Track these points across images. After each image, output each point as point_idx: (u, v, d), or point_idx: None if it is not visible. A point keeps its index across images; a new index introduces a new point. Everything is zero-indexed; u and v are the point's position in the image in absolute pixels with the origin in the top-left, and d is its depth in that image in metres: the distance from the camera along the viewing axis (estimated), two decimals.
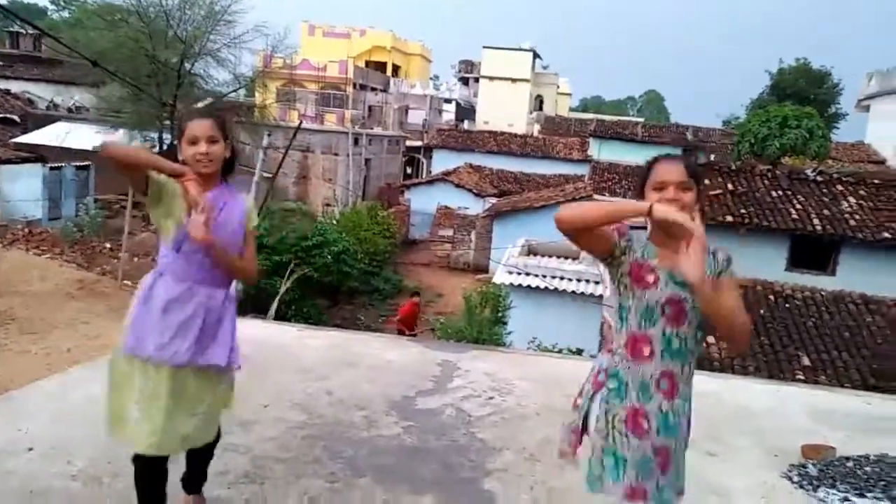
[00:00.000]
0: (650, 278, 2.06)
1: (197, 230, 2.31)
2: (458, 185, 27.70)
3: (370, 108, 40.29)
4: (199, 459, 2.74)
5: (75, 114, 25.88)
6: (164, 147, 18.58)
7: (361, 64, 42.75)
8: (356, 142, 28.81)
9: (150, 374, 2.38)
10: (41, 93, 30.30)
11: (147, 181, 2.35)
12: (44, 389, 4.17)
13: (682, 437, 2.16)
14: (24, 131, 23.67)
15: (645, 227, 2.16)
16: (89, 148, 20.68)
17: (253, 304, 13.28)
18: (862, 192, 14.78)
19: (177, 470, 2.75)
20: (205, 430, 2.53)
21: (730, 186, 14.95)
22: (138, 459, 2.43)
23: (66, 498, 2.90)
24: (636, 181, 2.20)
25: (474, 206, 26.37)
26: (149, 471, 2.46)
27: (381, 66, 46.61)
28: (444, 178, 28.46)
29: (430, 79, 55.21)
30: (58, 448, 3.32)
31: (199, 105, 21.40)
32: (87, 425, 3.56)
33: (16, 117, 25.23)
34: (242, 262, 2.58)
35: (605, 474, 2.09)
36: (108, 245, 16.71)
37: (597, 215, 1.99)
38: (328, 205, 25.76)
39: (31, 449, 3.29)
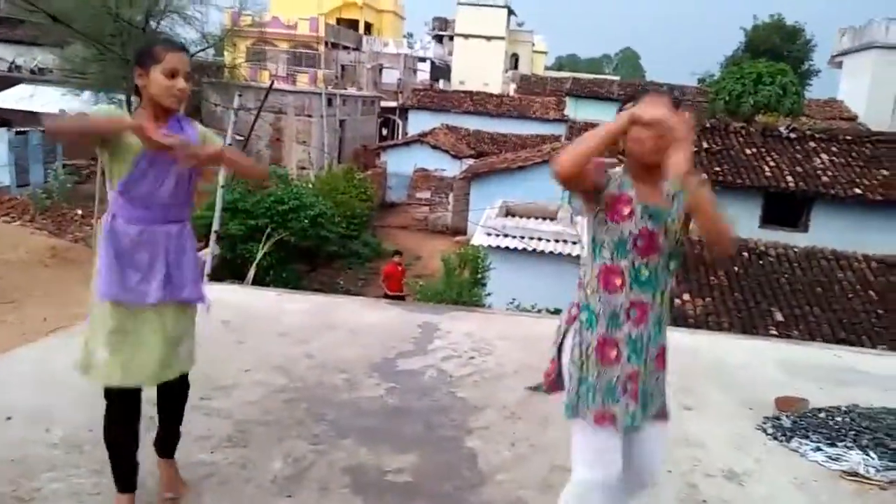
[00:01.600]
0: (625, 210, 2.11)
1: (187, 161, 2.27)
2: (434, 147, 27.49)
3: (343, 67, 39.58)
4: (170, 413, 2.68)
5: (39, 75, 25.10)
6: (132, 109, 18.14)
7: (333, 21, 41.82)
8: (330, 102, 28.36)
9: (121, 314, 2.38)
10: (2, 53, 29.26)
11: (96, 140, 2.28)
12: (22, 357, 4.12)
13: (651, 361, 2.21)
14: None
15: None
16: (55, 111, 20.14)
17: (230, 270, 13.20)
18: (834, 149, 14.97)
19: (147, 443, 2.74)
20: (179, 359, 2.52)
21: (704, 144, 15.04)
22: (108, 396, 2.42)
23: (47, 465, 2.88)
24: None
25: (451, 168, 26.24)
26: (120, 405, 2.43)
27: (353, 24, 45.61)
28: (421, 139, 28.21)
29: (404, 37, 54.21)
30: (37, 416, 3.29)
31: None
32: (66, 393, 3.53)
33: None
34: (252, 166, 2.71)
35: (579, 402, 2.17)
36: (79, 212, 16.42)
37: (593, 144, 2.00)
38: (303, 168, 25.46)
39: (9, 418, 3.26)
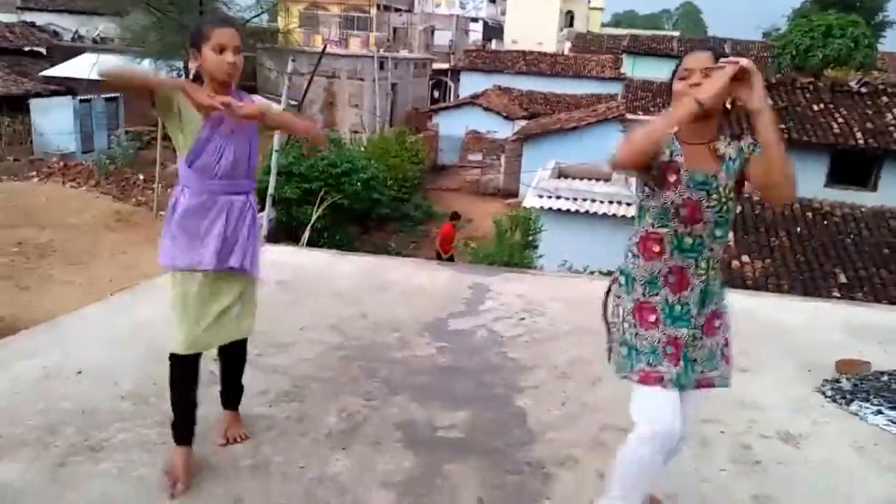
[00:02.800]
0: (672, 178, 2.08)
1: (234, 111, 2.33)
2: (486, 109, 27.17)
3: (395, 29, 39.29)
4: (233, 369, 2.84)
5: (100, 44, 25.75)
6: (190, 75, 18.48)
7: None
8: (382, 66, 28.28)
9: (183, 280, 2.52)
10: (66, 24, 30.10)
11: (152, 95, 2.35)
12: (89, 316, 4.31)
13: (697, 328, 2.17)
14: (52, 64, 23.67)
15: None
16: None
17: (286, 233, 13.47)
18: None
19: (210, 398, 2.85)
20: (240, 325, 2.66)
21: (769, 101, 14.45)
22: (170, 360, 2.57)
23: (115, 416, 3.04)
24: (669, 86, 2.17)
25: (503, 130, 25.93)
26: (182, 369, 2.58)
27: None
28: (473, 101, 27.90)
29: None
30: (105, 371, 3.45)
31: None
32: (131, 349, 3.70)
33: (42, 50, 25.22)
34: (293, 121, 2.80)
35: (624, 361, 2.20)
36: (141, 177, 16.94)
37: (651, 140, 1.99)
38: (355, 132, 25.57)
39: (79, 372, 3.43)
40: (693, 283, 2.15)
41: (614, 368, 2.26)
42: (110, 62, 2.30)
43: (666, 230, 2.11)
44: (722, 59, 1.99)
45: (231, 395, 2.91)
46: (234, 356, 2.83)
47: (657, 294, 2.15)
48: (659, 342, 2.14)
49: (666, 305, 2.15)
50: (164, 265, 2.53)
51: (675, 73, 2.13)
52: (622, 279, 2.24)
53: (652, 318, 2.15)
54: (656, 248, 2.13)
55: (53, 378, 3.36)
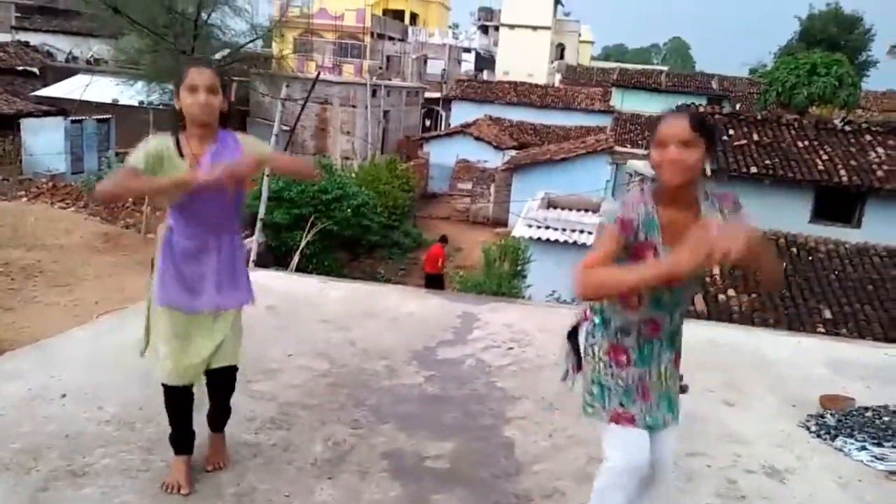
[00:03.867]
0: (650, 253, 2.04)
1: (231, 182, 2.36)
2: (477, 138, 27.44)
3: (388, 58, 39.72)
4: (219, 394, 2.84)
5: (94, 66, 25.84)
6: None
7: (379, 12, 41.98)
8: (374, 93, 28.53)
9: (175, 318, 2.60)
10: (60, 45, 30.21)
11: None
12: (75, 338, 4.29)
13: (666, 366, 2.22)
14: (44, 84, 23.72)
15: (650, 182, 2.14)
16: (109, 101, 20.72)
17: (275, 257, 13.44)
18: (891, 143, 14.45)
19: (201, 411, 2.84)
20: (225, 354, 2.71)
21: (755, 137, 14.69)
22: (164, 386, 2.66)
23: (99, 440, 3.01)
24: (647, 141, 2.13)
25: (494, 159, 26.16)
26: (175, 394, 2.68)
27: (398, 15, 45.71)
28: (464, 130, 28.19)
29: (449, 27, 54.15)
30: (90, 394, 3.43)
31: (217, 56, 21.29)
32: (117, 372, 3.67)
33: (35, 70, 25.26)
34: (290, 165, 2.91)
35: (594, 401, 2.22)
36: (130, 199, 16.87)
37: (623, 286, 1.94)
38: (347, 158, 25.69)
39: (64, 395, 3.40)
40: (664, 331, 2.20)
41: (583, 408, 2.26)
42: (103, 183, 2.34)
43: (645, 288, 2.06)
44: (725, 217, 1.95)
45: (217, 417, 2.90)
46: (221, 381, 2.82)
47: (629, 337, 2.19)
48: (631, 382, 2.18)
49: (638, 348, 2.19)
50: (161, 306, 2.59)
51: (651, 135, 2.05)
52: (597, 319, 2.24)
53: (624, 358, 2.19)
54: (633, 302, 2.15)
55: (38, 401, 3.33)
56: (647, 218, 2.04)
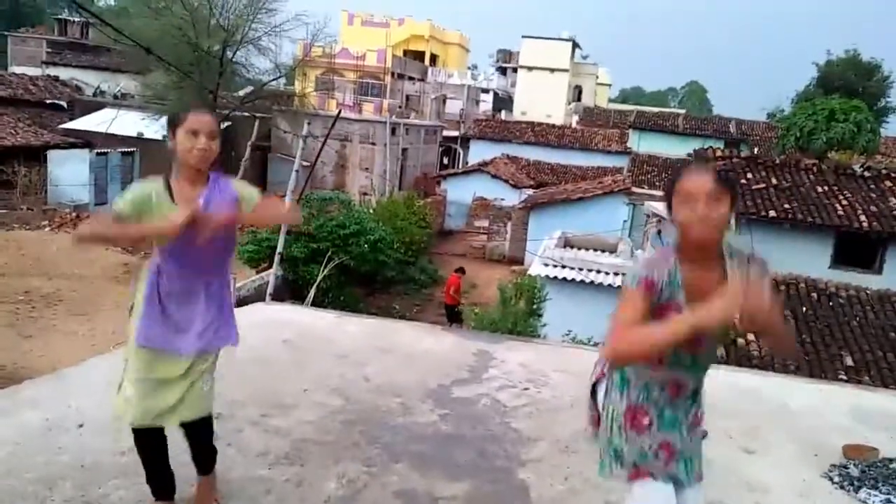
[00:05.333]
0: (673, 314, 1.96)
1: (204, 235, 2.33)
2: (494, 176, 27.61)
3: (408, 97, 40.35)
4: (197, 436, 2.72)
5: (121, 100, 26.47)
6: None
7: (399, 53, 42.78)
8: (393, 131, 28.91)
9: (151, 358, 2.50)
10: (88, 79, 31.04)
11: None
12: (93, 368, 4.31)
13: (688, 428, 2.14)
14: (72, 117, 24.30)
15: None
16: (134, 134, 21.17)
17: (291, 291, 13.49)
18: None
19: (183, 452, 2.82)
20: (195, 404, 2.57)
21: (773, 181, 14.64)
22: (134, 430, 2.56)
23: (115, 472, 3.01)
24: (664, 193, 2.06)
25: (510, 198, 26.27)
26: (144, 436, 2.58)
27: (419, 56, 46.58)
28: (481, 168, 28.39)
29: (468, 68, 54.94)
30: (106, 425, 3.42)
31: (241, 93, 21.73)
32: None
33: (64, 103, 25.92)
34: (269, 213, 2.71)
35: (611, 463, 2.16)
36: None
37: (651, 346, 1.85)
38: (365, 194, 25.94)
39: (81, 425, 3.41)
40: (687, 391, 2.13)
41: (600, 466, 2.21)
42: (82, 227, 2.36)
43: (668, 350, 2.01)
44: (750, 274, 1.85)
45: (201, 459, 2.77)
46: (196, 429, 2.70)
47: (650, 398, 2.11)
48: (650, 448, 2.09)
49: (660, 409, 2.11)
50: (138, 344, 2.50)
51: (674, 182, 1.98)
52: (616, 377, 2.16)
53: (646, 420, 2.10)
54: (657, 361, 2.07)
55: (55, 430, 3.34)
56: (671, 278, 1.98)
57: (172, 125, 2.42)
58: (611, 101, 62.94)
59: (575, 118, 42.74)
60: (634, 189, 22.85)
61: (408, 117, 34.12)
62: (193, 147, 2.38)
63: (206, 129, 2.39)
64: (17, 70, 29.55)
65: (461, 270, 15.96)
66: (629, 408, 2.12)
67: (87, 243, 2.32)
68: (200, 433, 2.71)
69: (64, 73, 30.30)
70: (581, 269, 13.51)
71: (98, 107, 24.71)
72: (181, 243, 2.41)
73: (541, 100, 45.59)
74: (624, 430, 2.11)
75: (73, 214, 17.01)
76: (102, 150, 19.73)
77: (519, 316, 11.93)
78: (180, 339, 2.50)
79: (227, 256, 2.65)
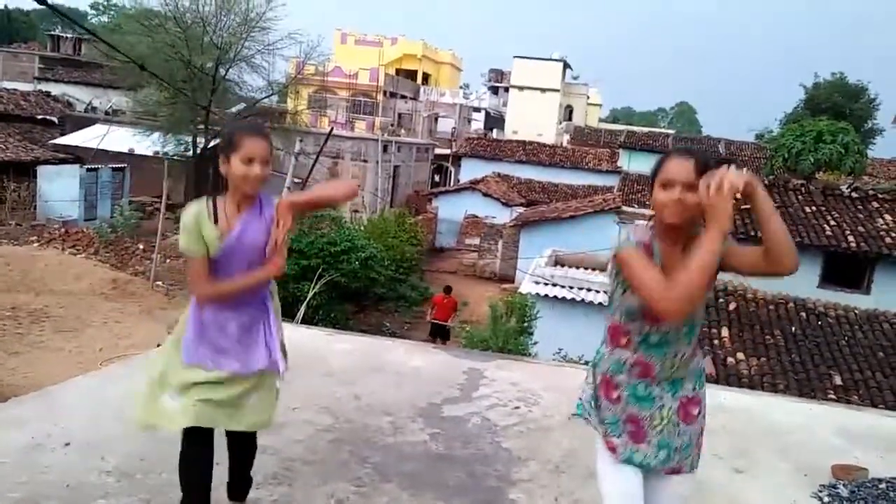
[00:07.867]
0: None
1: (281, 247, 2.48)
2: (485, 194, 27.73)
3: (400, 115, 40.54)
4: (242, 458, 2.76)
5: (112, 116, 26.46)
6: (198, 150, 18.89)
7: (392, 72, 43.06)
8: (385, 149, 29.00)
9: (198, 371, 2.48)
10: (80, 95, 31.07)
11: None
12: (80, 386, 4.27)
13: (668, 413, 2.18)
14: (63, 133, 24.28)
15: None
16: (125, 150, 21.14)
17: (281, 308, 13.42)
18: None
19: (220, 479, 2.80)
20: (245, 416, 2.56)
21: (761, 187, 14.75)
22: (185, 440, 2.49)
23: (101, 492, 2.97)
24: (651, 174, 2.17)
25: (501, 216, 26.37)
26: (194, 445, 2.49)
27: (411, 74, 46.90)
28: (472, 186, 28.51)
29: (460, 87, 55.40)
30: (93, 444, 3.40)
31: (234, 110, 21.74)
32: (121, 422, 3.64)
33: (55, 119, 25.89)
34: (326, 194, 2.83)
35: (589, 409, 2.31)
36: (141, 246, 17.04)
37: (706, 276, 1.90)
38: (356, 211, 25.93)
39: (67, 444, 3.38)
40: (658, 376, 2.17)
41: (577, 406, 2.38)
42: (201, 287, 2.36)
43: (633, 325, 2.15)
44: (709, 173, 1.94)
45: (236, 486, 2.81)
46: (241, 446, 2.73)
47: (620, 374, 2.20)
48: (619, 418, 2.20)
49: (628, 387, 2.19)
50: (187, 363, 2.49)
51: (655, 171, 2.10)
52: (597, 354, 2.32)
53: (615, 394, 2.21)
54: (623, 340, 2.19)
55: (40, 449, 3.30)
56: (652, 251, 2.11)
57: (226, 151, 2.37)
58: (601, 120, 63.45)
59: (566, 137, 43.06)
60: (625, 208, 22.96)
61: (400, 135, 34.24)
62: (248, 174, 2.34)
63: (261, 155, 2.36)
64: (9, 85, 29.48)
65: (448, 290, 15.73)
66: (603, 378, 2.24)
67: (214, 302, 2.47)
68: (246, 452, 2.76)
69: (56, 89, 30.32)
70: (572, 288, 13.54)
71: (89, 122, 24.70)
72: (221, 261, 2.45)
73: (532, 119, 45.95)
74: (600, 398, 2.25)
75: (63, 230, 16.92)
76: (93, 166, 19.67)
77: (510, 334, 11.93)
78: (222, 360, 2.50)
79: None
